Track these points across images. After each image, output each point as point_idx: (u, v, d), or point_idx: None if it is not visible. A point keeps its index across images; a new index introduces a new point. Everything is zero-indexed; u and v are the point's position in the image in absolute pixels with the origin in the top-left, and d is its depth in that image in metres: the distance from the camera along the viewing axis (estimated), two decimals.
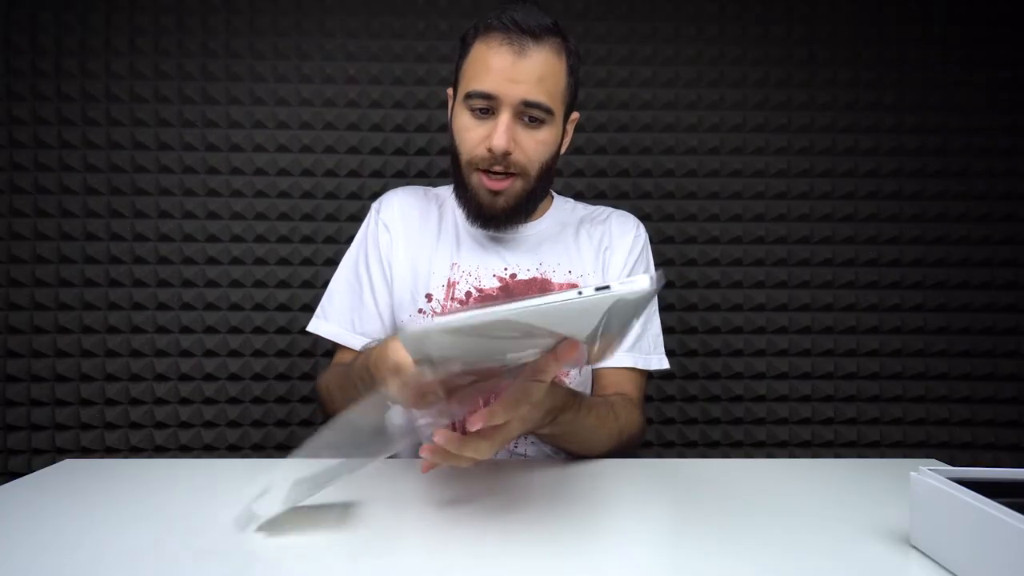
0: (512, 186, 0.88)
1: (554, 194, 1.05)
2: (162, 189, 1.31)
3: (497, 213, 0.90)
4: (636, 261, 0.99)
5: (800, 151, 1.36)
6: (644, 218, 1.34)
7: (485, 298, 0.94)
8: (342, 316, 0.96)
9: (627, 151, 1.35)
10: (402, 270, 0.95)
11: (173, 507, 0.61)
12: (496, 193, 0.88)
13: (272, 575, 0.48)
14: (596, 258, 0.98)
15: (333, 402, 0.88)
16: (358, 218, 1.30)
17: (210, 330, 1.31)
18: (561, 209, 1.03)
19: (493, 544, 0.53)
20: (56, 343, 1.28)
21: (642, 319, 0.96)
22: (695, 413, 1.35)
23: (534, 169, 0.88)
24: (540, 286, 0.94)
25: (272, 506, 0.57)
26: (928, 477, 0.51)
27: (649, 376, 0.99)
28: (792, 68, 1.36)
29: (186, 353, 1.31)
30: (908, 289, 1.35)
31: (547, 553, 0.52)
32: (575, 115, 0.95)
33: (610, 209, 1.05)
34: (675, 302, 1.35)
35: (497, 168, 0.86)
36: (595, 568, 0.49)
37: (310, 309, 1.33)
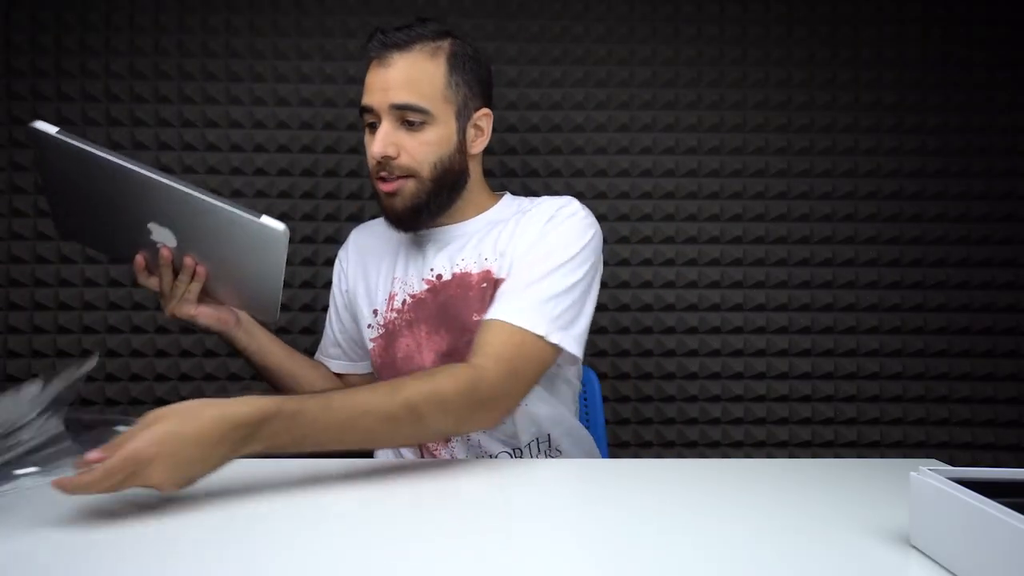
0: (404, 187, 0.91)
1: (507, 194, 1.05)
2: None
3: (399, 214, 0.93)
4: (550, 230, 0.92)
5: (800, 151, 1.36)
6: (644, 218, 1.35)
7: (416, 303, 0.97)
8: (324, 339, 1.13)
9: (627, 151, 1.35)
10: (360, 296, 1.05)
11: (173, 507, 0.61)
12: (391, 195, 0.92)
13: (272, 574, 0.48)
14: (511, 239, 0.95)
15: None
16: (358, 218, 1.30)
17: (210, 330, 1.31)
18: (503, 207, 1.02)
19: (493, 545, 0.53)
20: (56, 343, 1.28)
21: (526, 282, 0.88)
22: (695, 413, 1.35)
23: (424, 170, 0.91)
24: (459, 281, 0.95)
25: None
26: (928, 477, 0.51)
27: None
28: (792, 68, 1.36)
29: (186, 353, 1.31)
30: (908, 289, 1.35)
31: (546, 553, 0.52)
32: (484, 111, 0.96)
33: (549, 197, 1.01)
34: (675, 302, 1.35)
35: (383, 174, 0.91)
36: (594, 568, 0.49)
37: (310, 309, 1.34)
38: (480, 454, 0.96)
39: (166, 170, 1.30)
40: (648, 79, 1.35)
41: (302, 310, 1.32)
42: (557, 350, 0.87)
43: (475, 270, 0.95)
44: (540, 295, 0.87)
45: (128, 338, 1.30)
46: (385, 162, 0.89)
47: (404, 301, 0.98)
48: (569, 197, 0.99)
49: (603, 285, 1.32)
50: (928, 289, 1.35)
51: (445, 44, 0.92)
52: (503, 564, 0.50)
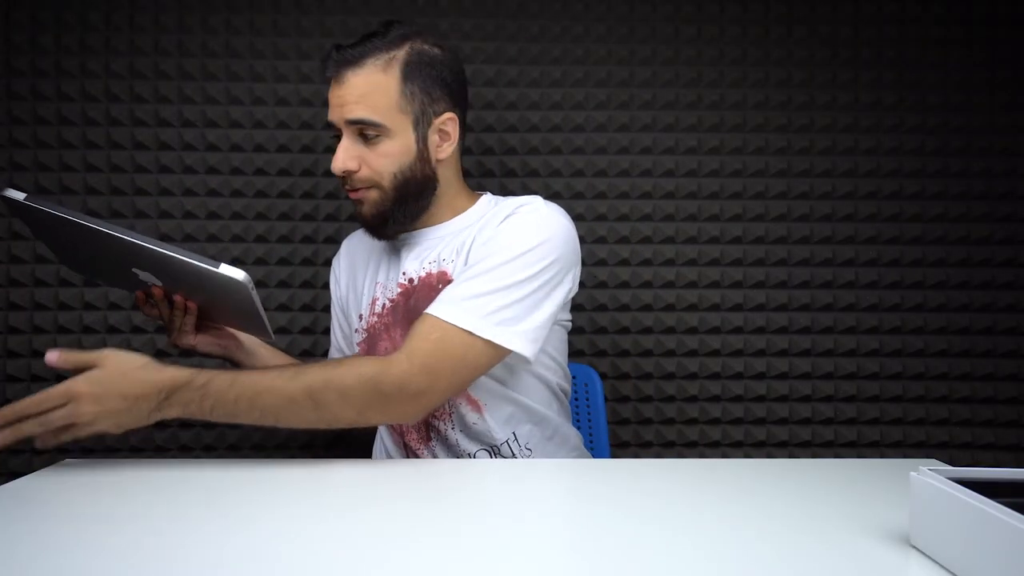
0: (367, 196, 0.94)
1: (486, 194, 1.04)
2: (162, 189, 1.31)
3: (367, 221, 0.97)
4: (502, 230, 0.92)
5: (800, 151, 1.36)
6: (644, 218, 1.35)
7: (393, 307, 0.99)
8: (333, 345, 1.16)
9: (627, 151, 1.35)
10: (351, 302, 1.08)
11: (173, 507, 0.61)
12: (358, 203, 0.96)
13: (272, 575, 0.48)
14: (472, 239, 0.95)
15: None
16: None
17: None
18: (479, 208, 1.01)
19: (492, 544, 0.53)
20: (56, 343, 1.28)
21: (465, 277, 0.89)
22: (694, 413, 1.35)
23: (385, 180, 0.93)
24: (426, 283, 0.96)
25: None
26: (928, 477, 0.51)
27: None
28: (792, 68, 1.36)
29: (186, 353, 1.30)
30: (908, 289, 1.35)
31: (545, 553, 0.52)
32: (447, 115, 0.95)
33: (525, 196, 0.99)
34: (675, 302, 1.35)
35: (347, 187, 0.95)
36: (594, 568, 0.49)
37: (310, 309, 1.34)
38: (460, 453, 0.96)
39: (166, 171, 1.31)
40: (648, 79, 1.35)
41: (302, 310, 1.32)
42: (496, 347, 0.85)
43: (435, 271, 0.96)
44: (473, 291, 0.86)
45: (128, 338, 1.30)
46: (348, 176, 0.93)
47: (384, 305, 1.00)
48: (534, 196, 0.97)
49: (603, 285, 1.34)
50: (928, 289, 1.35)
51: (400, 53, 0.91)
52: (502, 564, 0.50)
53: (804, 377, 1.35)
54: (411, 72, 0.92)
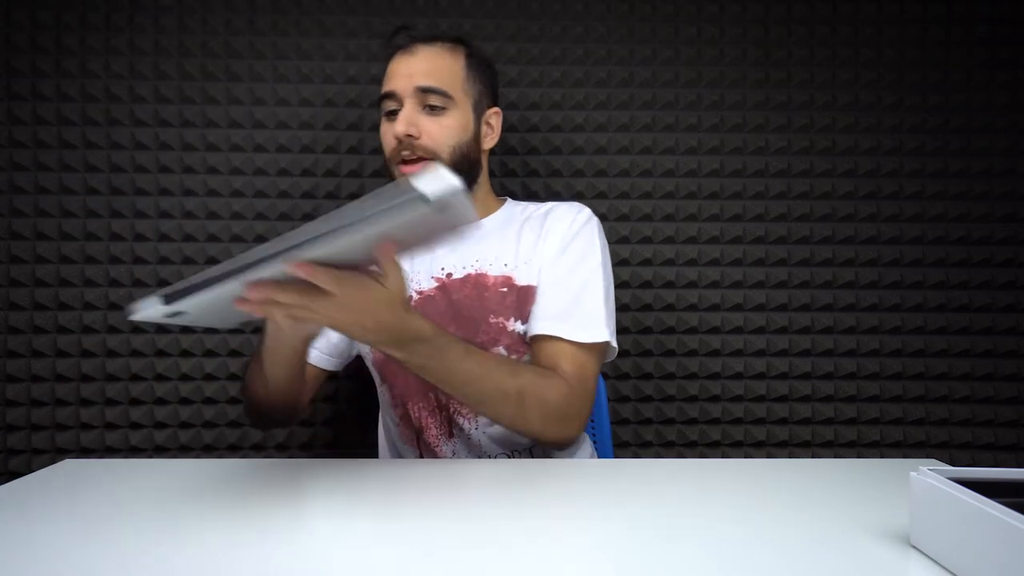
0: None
1: (508, 199, 1.08)
2: (162, 189, 1.31)
3: None
4: (573, 238, 0.96)
5: (800, 151, 1.36)
6: (644, 218, 1.35)
7: (423, 300, 0.97)
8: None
9: (627, 151, 1.35)
10: None
11: (173, 507, 0.61)
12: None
13: (273, 575, 0.48)
14: (534, 247, 0.97)
15: (252, 385, 0.92)
16: None
17: (210, 330, 1.31)
18: (508, 211, 1.05)
19: (492, 545, 0.53)
20: (56, 343, 1.28)
21: (574, 293, 0.92)
22: (694, 413, 1.35)
23: (444, 152, 0.94)
24: (474, 282, 0.96)
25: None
26: (928, 477, 0.51)
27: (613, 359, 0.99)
28: (792, 68, 1.36)
29: (186, 353, 1.31)
30: (908, 289, 1.35)
31: (545, 554, 0.52)
32: (495, 110, 1.03)
33: (560, 203, 1.04)
34: (674, 302, 1.35)
35: (406, 154, 0.93)
36: (594, 568, 0.49)
37: None
38: (480, 456, 0.96)
39: (166, 171, 1.31)
40: (648, 79, 1.35)
41: None
42: (611, 351, 0.95)
43: (493, 272, 0.96)
44: (589, 309, 0.92)
45: (128, 338, 1.30)
46: (407, 142, 0.93)
47: (410, 296, 0.98)
48: (578, 204, 1.02)
49: None
50: (928, 289, 1.35)
51: (461, 47, 1.00)
52: (502, 563, 0.50)
53: (804, 377, 1.35)
54: (472, 63, 0.99)
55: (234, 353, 1.31)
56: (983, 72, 1.35)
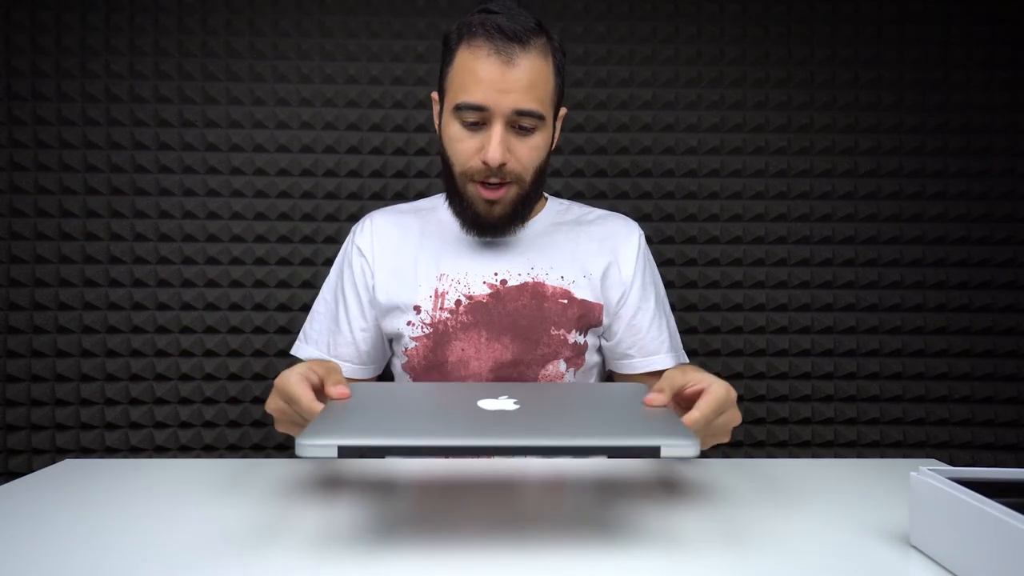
0: (507, 194, 0.87)
1: (546, 195, 1.03)
2: (162, 189, 1.31)
3: (494, 221, 0.89)
4: (646, 263, 0.98)
5: (800, 151, 1.36)
6: (644, 218, 1.35)
7: (475, 306, 0.92)
8: (320, 339, 0.97)
9: (627, 151, 1.35)
10: (385, 290, 0.94)
11: (173, 507, 0.61)
12: (492, 203, 0.87)
13: (273, 574, 0.48)
14: (597, 260, 0.95)
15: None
16: (358, 218, 1.30)
17: (210, 330, 1.31)
18: (554, 210, 1.00)
19: (492, 545, 0.53)
20: (56, 343, 1.28)
21: (664, 318, 0.99)
22: None
23: (529, 175, 0.87)
24: (532, 291, 0.92)
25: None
26: (928, 477, 0.51)
27: None
28: (792, 68, 1.36)
29: (186, 353, 1.31)
30: (908, 289, 1.35)
31: (546, 554, 0.52)
32: (563, 111, 0.93)
33: (605, 211, 1.03)
34: (675, 302, 1.35)
35: (492, 180, 0.86)
36: (594, 568, 0.49)
37: (310, 309, 1.33)
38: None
39: (166, 171, 1.31)
40: (648, 79, 1.35)
41: (302, 310, 1.32)
42: None
43: (550, 282, 0.93)
44: (675, 329, 1.00)
45: (128, 338, 1.30)
46: (497, 169, 0.84)
47: (458, 301, 0.91)
48: (630, 221, 1.01)
49: None
50: (928, 289, 1.35)
51: (549, 46, 0.86)
52: (501, 563, 0.50)
53: (804, 377, 1.35)
54: (559, 63, 0.88)
55: (234, 353, 1.31)
56: (983, 72, 1.35)
